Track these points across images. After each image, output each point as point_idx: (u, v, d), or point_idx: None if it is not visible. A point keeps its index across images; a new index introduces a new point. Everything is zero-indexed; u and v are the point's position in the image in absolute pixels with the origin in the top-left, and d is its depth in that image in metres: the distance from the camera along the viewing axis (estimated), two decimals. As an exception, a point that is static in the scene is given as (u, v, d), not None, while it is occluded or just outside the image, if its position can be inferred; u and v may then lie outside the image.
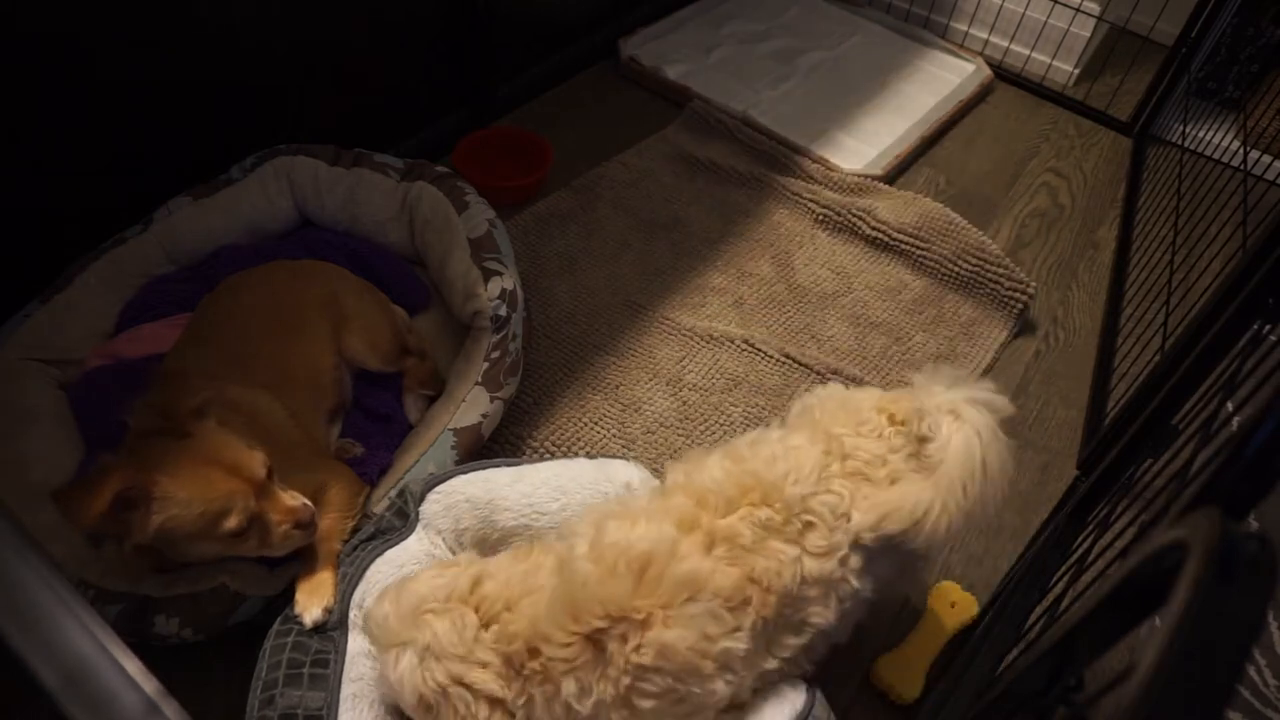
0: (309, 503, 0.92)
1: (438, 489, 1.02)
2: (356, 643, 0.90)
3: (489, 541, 1.03)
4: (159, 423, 0.87)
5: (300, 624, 0.90)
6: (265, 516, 0.88)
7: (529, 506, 1.02)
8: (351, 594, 0.93)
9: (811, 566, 0.79)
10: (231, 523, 0.85)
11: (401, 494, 1.02)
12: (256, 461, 0.88)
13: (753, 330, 1.52)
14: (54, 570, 0.36)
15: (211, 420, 0.90)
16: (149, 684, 0.33)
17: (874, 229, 1.72)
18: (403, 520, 1.00)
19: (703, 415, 1.37)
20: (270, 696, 0.83)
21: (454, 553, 1.01)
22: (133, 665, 0.34)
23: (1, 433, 1.05)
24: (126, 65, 1.22)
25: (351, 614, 0.92)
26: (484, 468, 1.05)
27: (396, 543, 0.98)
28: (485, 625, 0.75)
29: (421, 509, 1.00)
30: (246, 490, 0.86)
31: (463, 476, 1.03)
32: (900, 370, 1.51)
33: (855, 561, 0.81)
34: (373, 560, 0.96)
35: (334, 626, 0.91)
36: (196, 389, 0.91)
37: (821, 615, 0.81)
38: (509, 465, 1.06)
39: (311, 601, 0.91)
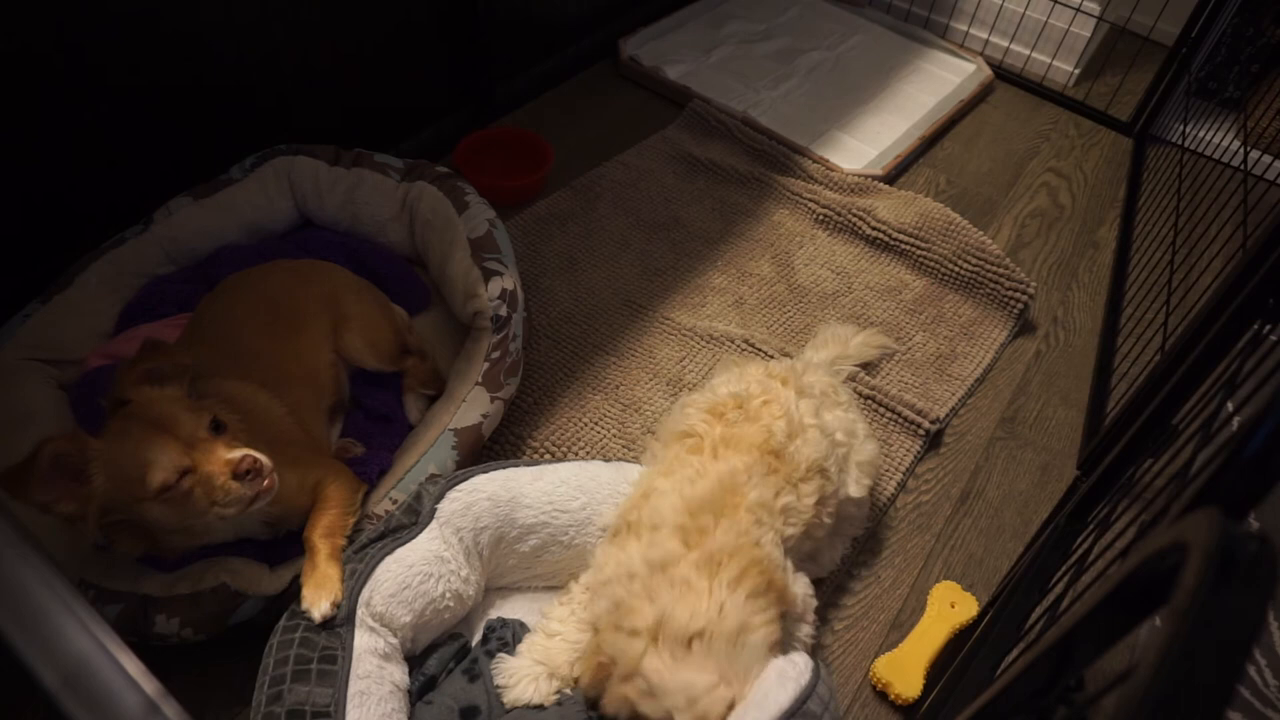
0: (254, 454, 0.89)
1: (458, 487, 1.02)
2: (364, 640, 0.90)
3: (506, 539, 1.03)
4: (112, 403, 0.89)
5: (308, 619, 0.90)
6: (202, 469, 0.87)
7: (550, 504, 1.04)
8: (359, 592, 0.93)
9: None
10: (158, 476, 0.84)
11: (418, 494, 1.02)
12: (191, 417, 0.88)
13: (753, 330, 1.52)
14: (54, 570, 0.36)
15: (153, 385, 0.90)
16: (149, 684, 0.33)
17: (874, 229, 1.72)
18: (413, 519, 1.00)
19: (703, 415, 1.37)
20: (278, 692, 0.83)
21: (465, 553, 1.01)
22: (133, 665, 0.34)
23: (1, 433, 1.05)
24: (126, 66, 1.22)
25: (359, 612, 0.92)
26: (504, 467, 1.06)
27: (406, 541, 0.98)
28: None
29: (439, 507, 1.00)
30: (173, 444, 0.86)
31: (483, 475, 1.04)
32: (900, 370, 1.51)
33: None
34: (382, 559, 0.96)
35: (341, 623, 0.90)
36: (153, 358, 0.91)
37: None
38: (528, 465, 1.08)
39: (319, 596, 0.91)
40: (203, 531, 0.96)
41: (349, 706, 0.83)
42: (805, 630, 0.97)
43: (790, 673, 0.79)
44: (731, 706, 0.77)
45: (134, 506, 0.86)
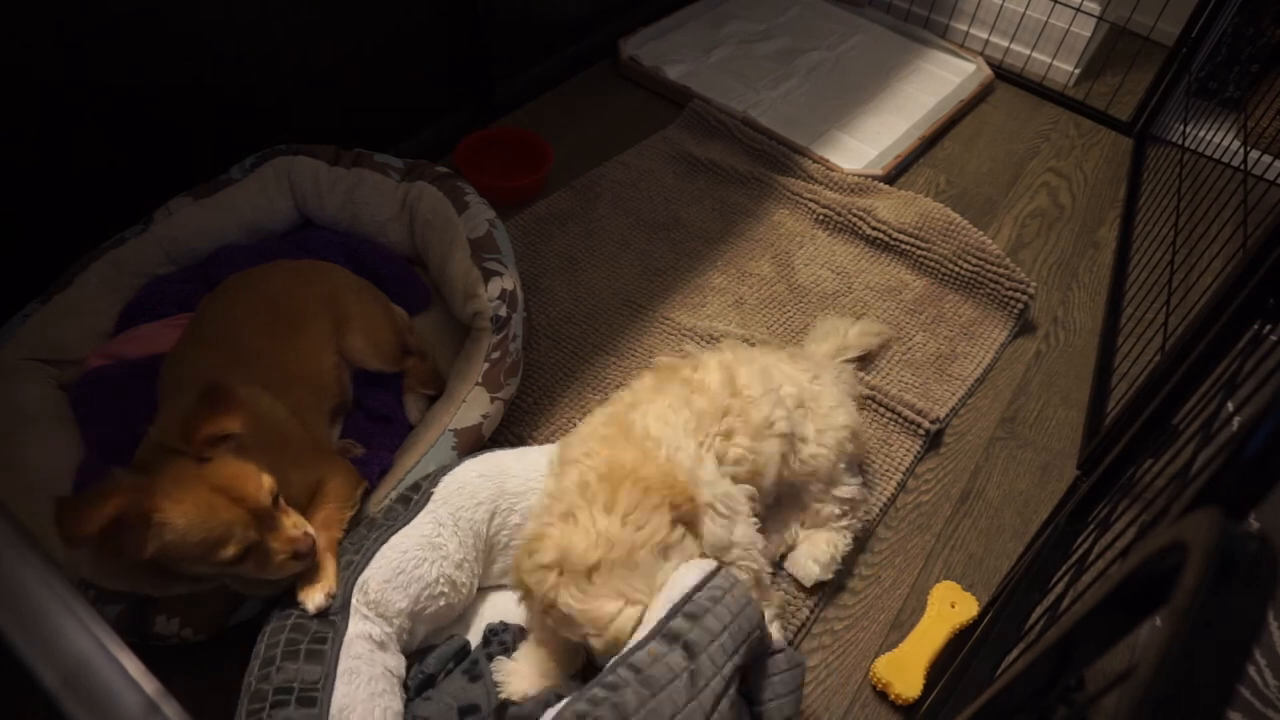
0: (310, 531, 0.91)
1: (450, 472, 1.06)
2: (358, 626, 0.91)
3: (499, 512, 1.06)
4: (177, 441, 0.85)
5: (303, 610, 0.91)
6: (265, 544, 0.88)
7: (535, 472, 1.09)
8: (355, 579, 0.94)
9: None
10: (230, 552, 0.84)
11: (415, 484, 1.04)
12: (263, 491, 0.87)
13: (753, 330, 1.52)
14: (54, 570, 0.36)
15: (229, 447, 0.87)
16: (149, 684, 0.33)
17: (874, 229, 1.72)
18: (405, 505, 1.02)
19: (703, 415, 1.37)
20: (267, 672, 0.84)
21: (461, 534, 1.03)
22: (133, 665, 0.34)
23: (1, 433, 1.05)
24: (126, 66, 1.22)
25: (354, 599, 0.92)
26: (489, 450, 1.12)
27: (400, 527, 0.99)
28: None
29: (434, 491, 1.03)
30: (247, 520, 0.86)
31: (471, 459, 1.09)
32: (900, 370, 1.51)
33: None
34: (379, 547, 0.97)
35: (336, 611, 0.91)
36: (228, 415, 0.87)
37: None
38: (510, 448, 1.14)
39: (313, 589, 0.91)
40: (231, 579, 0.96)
41: (338, 683, 0.84)
42: (736, 554, 0.99)
43: (697, 564, 0.87)
44: (642, 616, 0.85)
45: (182, 564, 0.86)
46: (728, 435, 1.05)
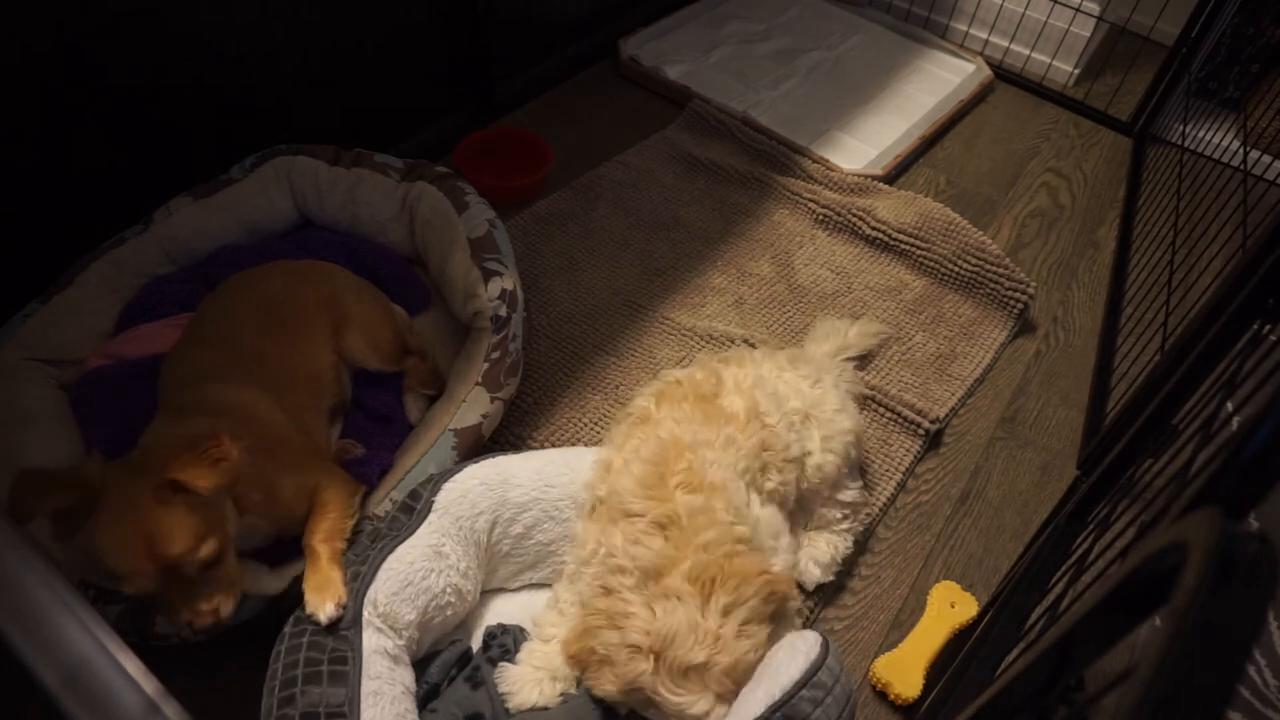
0: (224, 613, 0.87)
1: (452, 479, 1.04)
2: (372, 641, 0.90)
3: (501, 522, 1.05)
4: (157, 459, 0.84)
5: (315, 623, 0.89)
6: (170, 598, 0.85)
7: (539, 480, 1.07)
8: (365, 592, 0.93)
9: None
10: (127, 588, 0.82)
11: (414, 493, 1.03)
12: (191, 554, 0.83)
13: (753, 330, 1.52)
14: (54, 570, 0.36)
15: (187, 500, 0.84)
16: (149, 684, 0.33)
17: (874, 229, 1.72)
18: (408, 515, 1.00)
19: (703, 415, 1.37)
20: (290, 695, 0.82)
21: (464, 544, 1.02)
22: (133, 665, 0.34)
23: (1, 433, 1.05)
24: (126, 66, 1.22)
25: (365, 612, 0.91)
26: (492, 455, 1.10)
27: (405, 538, 0.98)
28: None
29: (436, 499, 1.02)
30: (154, 573, 0.82)
31: (473, 465, 1.07)
32: (900, 370, 1.51)
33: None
34: (384, 558, 0.96)
35: (348, 626, 0.90)
36: (207, 472, 0.83)
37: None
38: (515, 453, 1.11)
39: (323, 599, 0.90)
40: None
41: (363, 706, 0.83)
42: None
43: (800, 646, 0.83)
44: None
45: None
46: (763, 471, 1.04)
